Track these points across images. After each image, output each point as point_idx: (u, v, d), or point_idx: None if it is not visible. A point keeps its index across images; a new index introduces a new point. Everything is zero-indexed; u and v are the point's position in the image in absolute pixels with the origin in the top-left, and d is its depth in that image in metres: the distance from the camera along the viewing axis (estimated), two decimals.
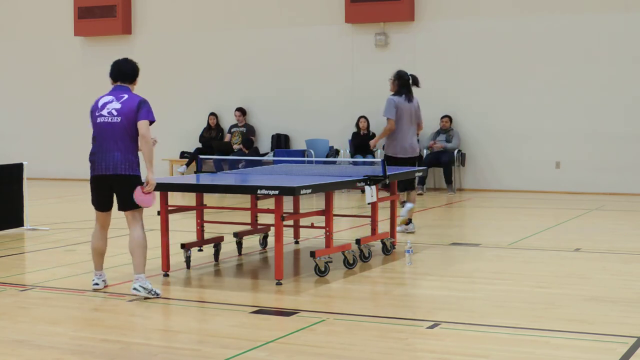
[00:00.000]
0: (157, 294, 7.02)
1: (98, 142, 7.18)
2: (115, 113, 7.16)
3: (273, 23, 17.55)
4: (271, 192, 7.24)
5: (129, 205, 7.20)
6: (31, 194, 11.48)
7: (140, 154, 7.18)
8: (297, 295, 7.15)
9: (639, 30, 15.12)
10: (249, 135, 17.39)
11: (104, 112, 7.21)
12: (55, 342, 5.78)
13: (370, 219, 8.86)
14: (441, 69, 16.37)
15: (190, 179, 9.20)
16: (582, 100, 15.49)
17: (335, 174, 8.90)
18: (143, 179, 7.18)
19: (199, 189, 8.60)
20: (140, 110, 7.15)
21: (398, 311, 6.69)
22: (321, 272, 7.80)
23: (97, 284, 7.37)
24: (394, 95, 10.54)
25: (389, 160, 10.27)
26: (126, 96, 7.29)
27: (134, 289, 7.02)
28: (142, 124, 7.10)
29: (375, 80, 16.77)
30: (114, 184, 7.17)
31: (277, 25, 17.52)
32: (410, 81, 10.58)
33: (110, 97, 7.32)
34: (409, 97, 10.57)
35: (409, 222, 10.62)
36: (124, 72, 7.48)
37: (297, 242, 9.71)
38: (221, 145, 17.27)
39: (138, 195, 7.12)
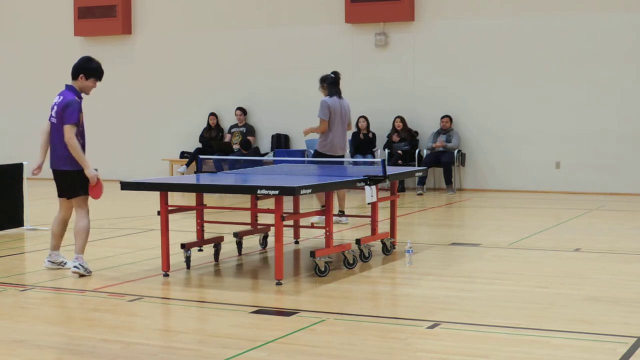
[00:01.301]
0: (90, 272, 7.95)
1: (49, 139, 8.05)
2: (54, 115, 7.95)
3: (273, 23, 17.55)
4: (271, 192, 7.24)
5: (70, 194, 8.01)
6: (31, 194, 11.48)
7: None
8: (297, 295, 7.15)
9: (636, 30, 15.11)
10: (248, 135, 17.38)
11: (52, 112, 7.98)
12: (55, 342, 5.78)
13: (370, 219, 8.86)
14: (441, 69, 16.37)
15: (190, 179, 9.19)
16: (582, 100, 15.49)
17: (335, 174, 8.90)
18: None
19: (199, 189, 8.60)
20: (64, 113, 7.80)
21: (398, 311, 6.70)
22: (321, 272, 7.80)
23: (64, 263, 8.14)
24: (327, 97, 11.19)
25: (318, 157, 11.16)
26: (61, 98, 7.97)
27: (75, 267, 7.86)
28: (65, 129, 7.80)
29: (375, 80, 16.79)
30: (58, 176, 8.04)
31: (277, 25, 17.52)
32: (336, 78, 11.30)
33: (57, 97, 8.02)
34: (340, 96, 11.33)
35: (342, 214, 11.07)
36: (72, 70, 8.06)
37: (297, 242, 9.71)
38: (221, 145, 17.26)
39: (89, 189, 7.97)
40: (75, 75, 8.02)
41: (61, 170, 7.92)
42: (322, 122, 11.13)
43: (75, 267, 7.86)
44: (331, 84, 11.22)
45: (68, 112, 7.76)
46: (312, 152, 16.82)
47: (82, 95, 8.06)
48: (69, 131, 7.74)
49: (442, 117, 16.15)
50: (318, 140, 11.32)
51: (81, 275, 7.85)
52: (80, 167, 7.84)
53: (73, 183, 7.91)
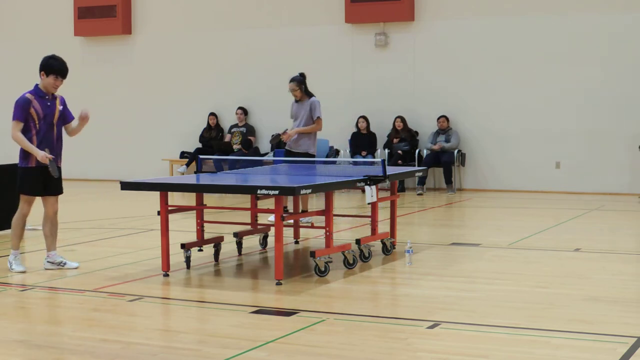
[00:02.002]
0: (14, 270, 8.11)
1: None
2: None
3: (273, 23, 17.55)
4: (271, 192, 7.24)
5: (17, 190, 8.27)
6: None
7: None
8: (297, 295, 7.14)
9: (636, 30, 15.12)
10: (248, 135, 17.39)
11: None
12: (55, 342, 5.78)
13: (370, 219, 8.86)
14: (441, 69, 16.37)
15: (190, 179, 9.19)
16: (582, 100, 15.48)
17: (335, 174, 8.89)
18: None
19: (199, 189, 8.60)
20: (13, 110, 8.04)
21: (398, 311, 6.70)
22: (321, 272, 7.80)
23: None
24: (313, 97, 11.23)
25: (290, 155, 11.19)
26: None
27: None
28: (12, 125, 8.04)
29: (375, 80, 16.78)
30: None
31: (277, 25, 17.51)
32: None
33: None
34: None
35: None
36: None
37: (297, 242, 9.71)
38: (221, 145, 17.26)
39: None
40: (39, 72, 8.09)
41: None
42: (319, 122, 11.22)
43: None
44: (306, 84, 11.35)
45: (14, 110, 8.00)
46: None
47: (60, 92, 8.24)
48: (13, 127, 7.98)
49: (439, 117, 16.14)
50: (305, 141, 11.22)
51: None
52: (24, 165, 8.05)
53: (17, 178, 8.18)
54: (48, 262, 8.28)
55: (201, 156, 9.71)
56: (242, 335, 5.85)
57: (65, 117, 8.27)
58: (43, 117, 8.01)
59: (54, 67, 8.04)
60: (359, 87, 16.87)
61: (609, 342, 5.58)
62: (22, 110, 7.92)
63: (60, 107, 8.19)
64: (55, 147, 8.13)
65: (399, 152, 16.09)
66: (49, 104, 8.07)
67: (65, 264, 8.26)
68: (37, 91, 8.05)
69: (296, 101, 11.33)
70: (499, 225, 11.76)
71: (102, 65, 19.09)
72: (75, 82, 19.71)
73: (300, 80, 11.26)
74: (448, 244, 9.80)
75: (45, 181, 8.11)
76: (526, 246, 9.59)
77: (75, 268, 8.25)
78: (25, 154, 8.04)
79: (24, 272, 8.09)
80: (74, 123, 8.34)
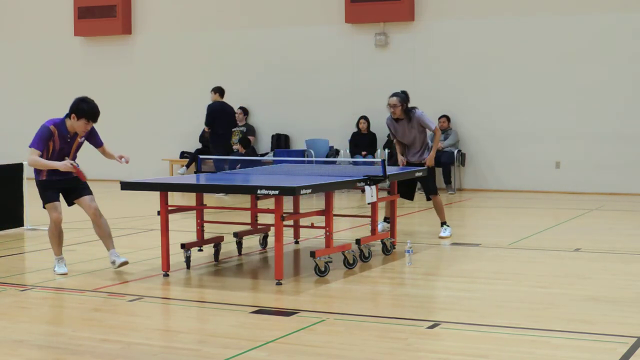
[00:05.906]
0: (57, 273, 8.02)
1: None
2: None
3: (273, 23, 17.55)
4: (271, 192, 7.24)
5: None
6: (31, 194, 11.46)
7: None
8: (297, 295, 7.15)
9: (635, 30, 15.12)
10: (248, 135, 17.38)
11: None
12: (55, 342, 5.78)
13: (370, 219, 8.86)
14: (441, 69, 16.36)
15: (190, 179, 9.20)
16: (582, 100, 15.49)
17: (335, 174, 8.89)
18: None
19: (199, 189, 8.60)
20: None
21: (398, 311, 6.70)
22: (321, 272, 7.80)
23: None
24: (415, 110, 10.04)
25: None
26: None
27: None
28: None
29: (375, 80, 16.78)
30: None
31: (277, 25, 17.51)
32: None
33: None
34: None
35: (443, 224, 10.30)
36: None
37: (297, 242, 9.71)
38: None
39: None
40: (69, 113, 7.87)
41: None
42: (438, 130, 10.18)
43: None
44: (408, 103, 10.10)
45: (35, 136, 7.81)
46: (312, 152, 16.79)
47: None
48: (30, 153, 7.78)
49: (440, 117, 16.14)
50: (427, 154, 10.20)
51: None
52: (38, 178, 7.92)
53: (39, 193, 8.02)
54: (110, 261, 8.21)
55: (201, 156, 9.71)
56: (242, 335, 5.86)
57: (94, 143, 8.30)
58: (58, 151, 7.88)
59: (85, 110, 7.79)
60: (359, 87, 16.86)
61: (609, 342, 5.58)
62: (41, 141, 7.76)
63: (81, 140, 8.05)
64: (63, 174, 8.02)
65: None
66: (68, 140, 7.93)
67: (114, 262, 8.12)
68: (62, 127, 7.86)
69: (395, 119, 10.07)
70: (499, 225, 11.76)
71: (102, 65, 19.09)
72: (75, 82, 19.81)
73: (403, 98, 9.96)
74: (448, 244, 9.80)
75: (65, 187, 8.02)
76: (526, 246, 9.59)
77: (123, 263, 8.07)
78: (38, 169, 7.89)
79: (65, 274, 8.00)
80: (109, 150, 8.41)
